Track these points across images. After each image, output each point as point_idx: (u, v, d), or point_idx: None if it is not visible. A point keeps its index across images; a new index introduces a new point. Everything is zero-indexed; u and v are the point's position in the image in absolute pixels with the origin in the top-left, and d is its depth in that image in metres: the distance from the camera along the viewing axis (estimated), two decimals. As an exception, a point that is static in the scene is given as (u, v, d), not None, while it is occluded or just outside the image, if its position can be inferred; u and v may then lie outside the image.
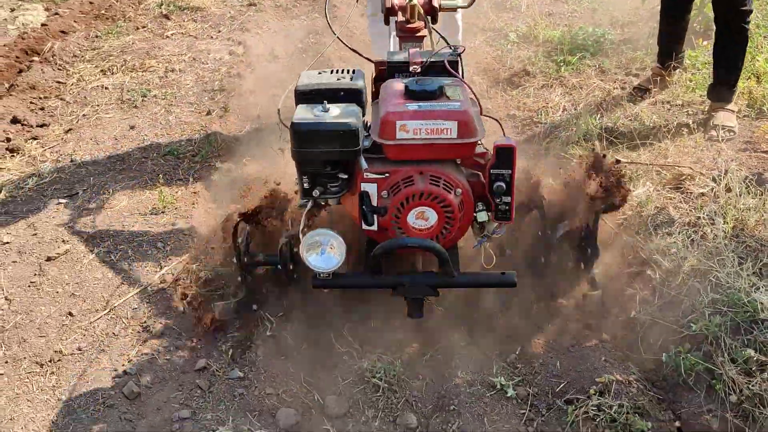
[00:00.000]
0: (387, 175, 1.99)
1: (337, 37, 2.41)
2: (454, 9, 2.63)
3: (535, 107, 3.72)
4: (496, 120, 2.25)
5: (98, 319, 2.57)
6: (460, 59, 2.26)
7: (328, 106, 1.97)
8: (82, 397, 2.26)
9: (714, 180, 2.95)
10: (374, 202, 2.00)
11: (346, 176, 2.04)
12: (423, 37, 2.50)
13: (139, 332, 2.52)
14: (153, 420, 2.18)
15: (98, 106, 3.98)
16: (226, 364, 2.36)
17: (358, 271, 2.20)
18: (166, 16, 5.09)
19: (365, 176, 1.99)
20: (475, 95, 2.12)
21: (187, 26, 4.98)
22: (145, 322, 2.56)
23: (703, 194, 2.88)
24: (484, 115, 2.18)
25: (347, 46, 2.48)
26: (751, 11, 3.18)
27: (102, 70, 4.32)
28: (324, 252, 2.01)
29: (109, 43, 4.70)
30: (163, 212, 3.11)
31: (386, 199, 2.00)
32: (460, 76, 2.19)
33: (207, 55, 4.52)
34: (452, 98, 2.00)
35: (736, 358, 2.13)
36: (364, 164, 1.99)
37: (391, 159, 2.00)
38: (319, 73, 2.18)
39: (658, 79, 3.72)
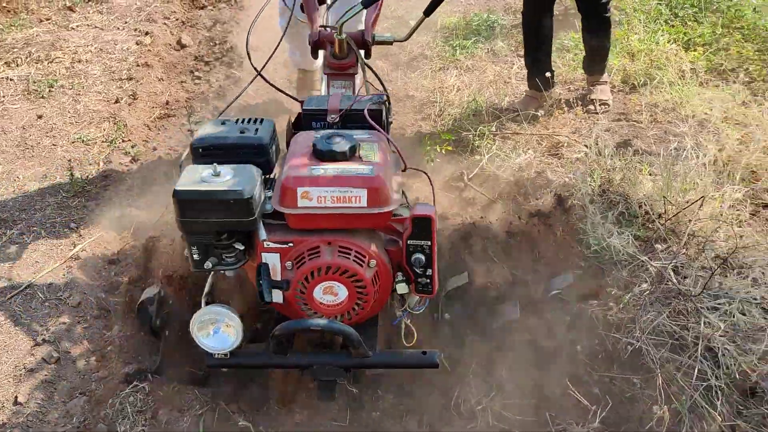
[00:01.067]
0: (291, 244, 1.81)
1: (259, 74, 2.19)
2: (390, 43, 2.45)
3: (431, 87, 4.04)
4: (425, 173, 2.13)
5: (15, 294, 2.70)
6: (386, 106, 2.11)
7: (219, 168, 1.76)
8: (5, 365, 2.41)
9: (587, 146, 3.35)
10: (277, 275, 1.83)
11: (242, 247, 1.85)
12: (354, 74, 2.34)
13: (56, 305, 2.67)
14: (73, 381, 2.36)
15: (3, 97, 4.04)
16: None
17: (261, 349, 2.00)
18: (71, 8, 5.14)
19: (265, 246, 1.81)
20: (398, 150, 1.97)
21: (93, 18, 5.05)
22: (61, 296, 2.71)
23: (578, 159, 3.28)
24: (412, 168, 2.06)
25: (270, 83, 2.27)
26: (609, 0, 3.56)
27: (6, 63, 4.37)
28: (218, 331, 1.87)
29: (12, 36, 4.73)
30: (75, 195, 3.25)
31: (290, 271, 1.83)
32: (382, 128, 2.02)
33: (114, 46, 4.63)
34: (366, 159, 1.83)
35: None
36: (263, 234, 1.81)
37: (294, 229, 1.83)
38: (222, 123, 1.98)
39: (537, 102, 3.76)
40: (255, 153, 1.89)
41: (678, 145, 3.28)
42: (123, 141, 3.67)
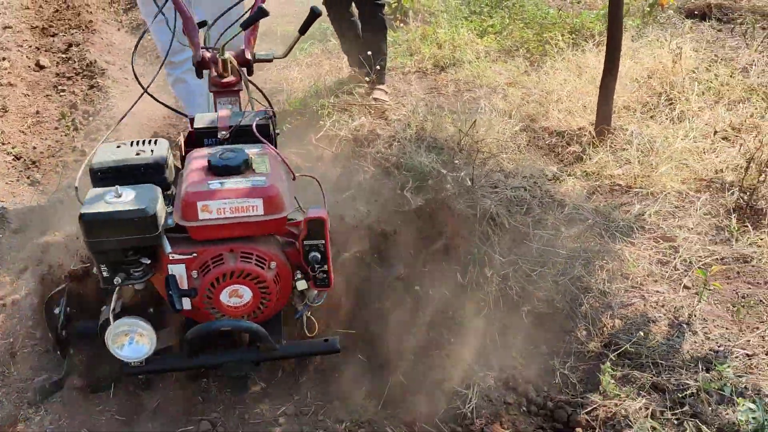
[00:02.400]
0: (195, 255, 1.95)
1: (146, 91, 2.25)
2: (270, 60, 2.60)
3: (277, 80, 4.87)
4: (314, 178, 2.28)
5: None
6: (272, 121, 2.28)
7: (120, 190, 1.87)
8: None
9: (407, 111, 4.31)
10: (184, 284, 1.97)
11: (149, 261, 1.96)
12: (239, 91, 2.47)
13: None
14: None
15: None
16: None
17: (174, 353, 2.16)
18: None
19: (171, 258, 1.94)
20: (285, 161, 2.13)
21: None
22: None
23: (398, 119, 4.21)
24: (303, 175, 2.24)
25: (158, 101, 2.41)
26: (383, 5, 4.52)
27: None
28: (133, 341, 1.99)
29: None
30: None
31: (197, 279, 1.97)
32: (270, 142, 2.18)
33: (-28, 71, 5.05)
34: (258, 172, 2.00)
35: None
36: (168, 248, 1.92)
37: (199, 240, 1.96)
38: (118, 146, 2.08)
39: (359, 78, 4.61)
40: (152, 172, 2.01)
41: (475, 104, 4.32)
42: (3, 144, 4.15)
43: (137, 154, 2.03)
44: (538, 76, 4.72)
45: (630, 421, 2.20)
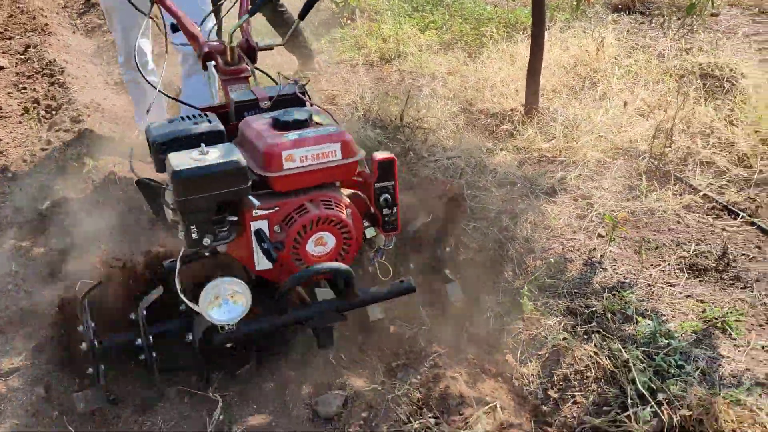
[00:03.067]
0: (277, 208, 2.01)
1: (160, 91, 2.43)
2: (271, 48, 2.70)
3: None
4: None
5: None
6: (306, 91, 2.41)
7: (206, 148, 1.94)
8: None
9: (356, 96, 4.71)
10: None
11: (235, 218, 2.01)
12: (248, 77, 2.53)
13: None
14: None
15: None
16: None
17: (260, 315, 2.15)
18: None
19: (255, 214, 1.99)
20: (334, 119, 2.23)
21: None
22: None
23: (348, 104, 4.61)
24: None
25: (173, 98, 2.78)
26: (284, 10, 4.96)
27: None
28: (227, 302, 2.00)
29: None
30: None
31: (280, 234, 2.02)
32: (317, 105, 2.33)
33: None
34: (323, 123, 2.11)
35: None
36: (255, 202, 1.97)
37: (279, 191, 2.02)
38: (169, 121, 2.17)
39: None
40: (214, 138, 2.08)
41: (418, 91, 4.75)
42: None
43: (195, 124, 2.12)
44: (475, 66, 5.17)
45: (546, 336, 2.62)
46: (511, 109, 4.49)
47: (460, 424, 2.26)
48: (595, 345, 2.54)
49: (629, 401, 2.29)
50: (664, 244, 3.22)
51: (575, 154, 3.96)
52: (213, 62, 2.55)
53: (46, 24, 6.38)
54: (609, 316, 2.71)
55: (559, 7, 6.11)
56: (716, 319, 2.69)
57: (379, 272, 2.37)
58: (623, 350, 2.47)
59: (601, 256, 3.10)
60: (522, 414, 2.39)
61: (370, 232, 2.20)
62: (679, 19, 5.75)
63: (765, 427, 2.14)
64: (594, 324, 2.67)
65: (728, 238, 3.22)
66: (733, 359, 2.51)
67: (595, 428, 2.27)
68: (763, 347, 2.59)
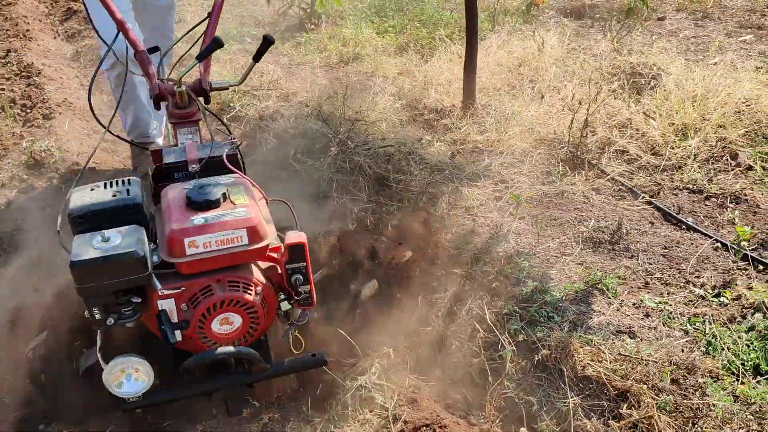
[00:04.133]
0: (183, 288, 2.04)
1: (108, 130, 2.46)
2: (226, 88, 2.66)
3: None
4: (285, 202, 2.49)
5: None
6: (239, 151, 2.41)
7: (107, 234, 1.94)
8: None
9: (309, 95, 5.14)
10: (174, 317, 2.05)
11: (139, 299, 2.03)
12: (198, 120, 2.53)
13: None
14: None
15: None
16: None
17: (169, 385, 2.23)
18: None
19: (160, 294, 2.01)
20: (258, 188, 2.24)
21: None
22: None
23: (300, 101, 5.04)
24: (273, 199, 2.40)
25: (121, 138, 2.77)
26: None
27: None
28: (130, 377, 2.07)
29: None
30: None
31: (187, 312, 2.05)
32: (240, 172, 2.29)
33: None
34: (237, 203, 2.09)
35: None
36: (158, 285, 2.00)
37: (186, 274, 2.04)
38: (92, 189, 2.14)
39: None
40: (131, 212, 2.08)
41: (370, 90, 5.18)
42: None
43: (113, 195, 2.10)
44: (425, 67, 5.60)
45: (446, 292, 3.04)
46: (452, 105, 4.91)
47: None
48: (485, 302, 2.96)
49: (499, 345, 2.70)
50: (567, 221, 3.64)
51: (504, 144, 4.38)
52: (165, 102, 2.54)
53: (27, 30, 6.82)
54: (501, 279, 3.13)
55: (509, 12, 6.55)
56: (597, 282, 3.10)
57: (292, 345, 2.39)
58: (505, 305, 2.88)
59: (507, 230, 3.51)
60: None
61: (285, 306, 2.21)
62: (619, 21, 6.18)
63: (608, 361, 2.55)
64: (486, 286, 3.08)
65: (625, 216, 3.63)
66: (603, 313, 2.93)
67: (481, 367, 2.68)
68: (633, 304, 3.00)
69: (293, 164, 4.02)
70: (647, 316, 2.92)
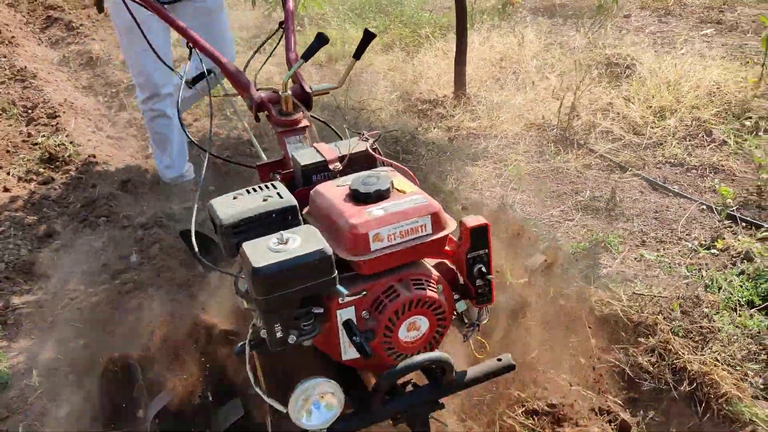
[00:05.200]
0: (364, 293, 1.84)
1: (210, 154, 2.31)
2: (326, 92, 2.58)
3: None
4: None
5: None
6: (378, 148, 2.23)
7: (285, 235, 1.74)
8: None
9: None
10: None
11: (321, 310, 1.82)
12: (306, 127, 2.42)
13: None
14: None
15: None
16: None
17: (352, 412, 1.91)
18: None
19: (341, 301, 1.81)
20: (413, 177, 2.04)
21: None
22: None
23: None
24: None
25: (223, 158, 2.69)
26: None
27: None
28: (319, 405, 1.81)
29: None
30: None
31: (368, 320, 1.86)
32: (391, 162, 2.11)
33: None
34: (407, 191, 1.92)
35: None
36: (344, 291, 1.79)
37: (366, 274, 1.83)
38: (235, 197, 1.95)
39: None
40: (289, 215, 1.89)
41: (364, 84, 5.49)
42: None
43: (264, 200, 1.90)
44: (413, 63, 5.94)
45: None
46: (443, 96, 5.25)
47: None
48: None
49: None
50: (565, 192, 3.99)
51: (497, 129, 4.73)
52: (265, 112, 2.42)
53: (13, 36, 6.95)
54: (514, 241, 3.44)
55: (486, 11, 6.95)
56: (600, 241, 3.45)
57: (474, 349, 2.21)
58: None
59: (512, 201, 3.84)
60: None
61: (460, 306, 2.02)
62: (590, 17, 6.63)
63: (623, 301, 2.88)
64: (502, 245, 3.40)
65: (617, 186, 4.00)
66: (609, 266, 3.27)
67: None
68: (635, 259, 3.35)
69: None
70: (649, 267, 3.27)
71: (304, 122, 2.40)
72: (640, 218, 3.72)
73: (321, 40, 2.33)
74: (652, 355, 2.63)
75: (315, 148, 2.21)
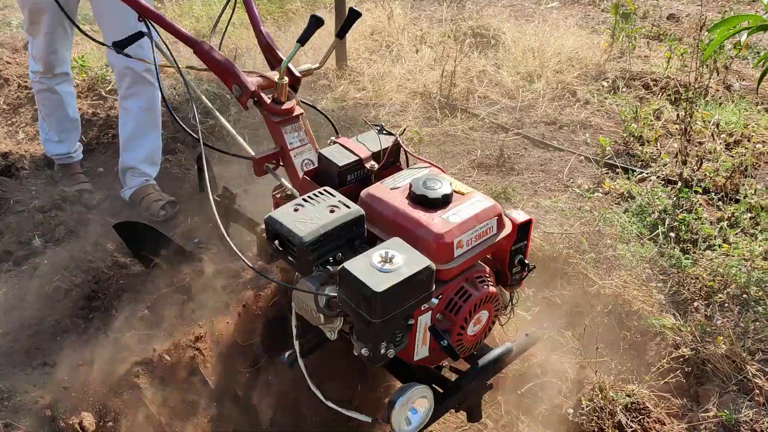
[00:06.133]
0: (441, 296, 1.85)
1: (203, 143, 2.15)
2: (310, 73, 2.47)
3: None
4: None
5: None
6: (401, 143, 2.22)
7: (389, 253, 1.66)
8: None
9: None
10: (426, 332, 1.87)
11: (412, 321, 1.79)
12: (300, 115, 2.33)
13: None
14: None
15: None
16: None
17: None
18: None
19: (422, 308, 1.80)
20: (442, 169, 2.10)
21: None
22: None
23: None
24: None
25: (224, 152, 2.42)
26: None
27: None
28: (415, 411, 1.83)
29: None
30: None
31: (442, 322, 1.88)
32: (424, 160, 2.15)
33: None
34: (463, 191, 1.95)
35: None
36: (435, 301, 1.78)
37: (446, 280, 1.85)
38: (295, 209, 1.83)
39: None
40: (359, 225, 1.83)
41: (239, 60, 5.44)
42: None
43: (332, 211, 1.81)
44: (287, 37, 5.97)
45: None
46: (325, 69, 5.35)
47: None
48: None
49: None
50: (459, 153, 4.27)
51: (383, 98, 4.92)
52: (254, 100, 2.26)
53: None
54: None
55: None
56: (501, 192, 3.75)
57: (504, 330, 2.29)
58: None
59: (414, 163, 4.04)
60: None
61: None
62: (451, -7, 7.02)
63: (539, 239, 3.17)
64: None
65: (504, 144, 4.33)
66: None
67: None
68: (533, 206, 3.68)
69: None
70: (546, 212, 3.60)
71: (298, 109, 2.32)
72: (528, 171, 4.07)
73: (317, 22, 2.24)
74: (570, 285, 2.95)
75: (341, 144, 2.15)
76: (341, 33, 2.39)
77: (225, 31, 2.77)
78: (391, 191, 1.93)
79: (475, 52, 5.50)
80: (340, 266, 1.65)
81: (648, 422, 2.31)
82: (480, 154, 4.22)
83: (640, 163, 4.10)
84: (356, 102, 4.93)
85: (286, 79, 2.27)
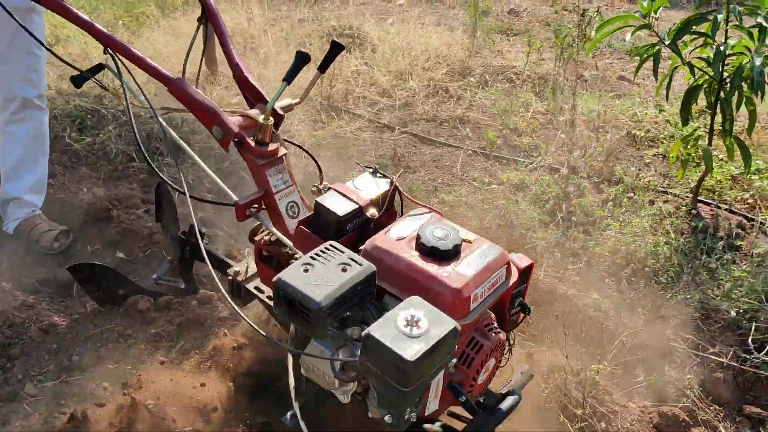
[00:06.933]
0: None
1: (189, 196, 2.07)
2: (291, 109, 2.35)
3: None
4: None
5: None
6: (398, 187, 2.14)
7: (415, 315, 1.57)
8: None
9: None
10: (440, 385, 1.83)
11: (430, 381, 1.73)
12: (283, 156, 2.23)
13: None
14: None
15: None
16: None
17: None
18: None
19: None
20: (440, 213, 2.03)
21: None
22: None
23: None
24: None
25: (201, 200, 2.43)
26: None
27: None
28: None
29: None
30: None
31: (454, 375, 1.84)
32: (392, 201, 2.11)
33: None
34: (470, 239, 1.89)
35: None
36: (453, 360, 1.71)
37: (461, 333, 1.76)
38: (305, 270, 1.69)
39: None
40: (370, 282, 1.73)
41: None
42: None
43: (343, 270, 1.69)
44: (141, 42, 5.69)
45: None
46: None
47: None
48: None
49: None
50: (353, 155, 4.34)
51: (262, 103, 4.85)
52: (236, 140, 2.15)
53: None
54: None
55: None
56: (406, 190, 3.87)
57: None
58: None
59: (313, 168, 4.06)
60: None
61: None
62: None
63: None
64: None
65: (395, 144, 4.46)
66: (424, 211, 3.70)
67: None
68: (438, 202, 3.84)
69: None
70: (453, 207, 3.79)
71: (282, 150, 2.22)
72: (424, 168, 4.24)
73: (304, 58, 2.16)
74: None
75: (338, 191, 2.06)
76: (323, 66, 2.28)
77: (201, 65, 2.61)
78: (398, 242, 1.86)
79: (347, 53, 5.57)
80: (364, 332, 1.55)
81: (599, 394, 2.56)
82: (375, 154, 4.32)
83: (522, 153, 4.41)
84: (234, 108, 4.82)
85: (272, 120, 2.17)
